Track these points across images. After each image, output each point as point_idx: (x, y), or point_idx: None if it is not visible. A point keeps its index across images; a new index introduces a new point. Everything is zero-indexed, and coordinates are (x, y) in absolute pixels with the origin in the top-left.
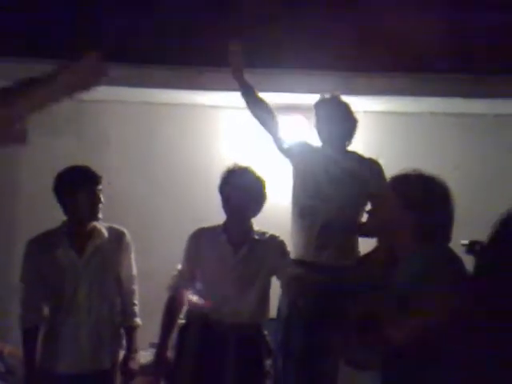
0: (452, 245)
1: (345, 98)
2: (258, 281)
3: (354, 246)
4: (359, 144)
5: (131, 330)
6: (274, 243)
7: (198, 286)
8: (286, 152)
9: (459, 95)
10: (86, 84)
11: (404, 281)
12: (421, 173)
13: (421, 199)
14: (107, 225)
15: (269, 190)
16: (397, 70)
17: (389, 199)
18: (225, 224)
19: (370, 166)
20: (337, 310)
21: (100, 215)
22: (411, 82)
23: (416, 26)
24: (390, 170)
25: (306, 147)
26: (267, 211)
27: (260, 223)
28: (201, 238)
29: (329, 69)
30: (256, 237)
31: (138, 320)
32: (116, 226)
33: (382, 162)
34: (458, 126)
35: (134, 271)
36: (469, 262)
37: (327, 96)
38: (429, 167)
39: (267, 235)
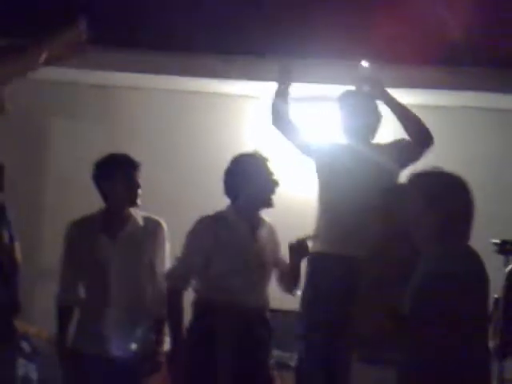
0: (480, 243)
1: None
2: (270, 263)
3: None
4: (389, 138)
5: (160, 322)
6: (271, 224)
7: (214, 274)
8: (309, 153)
9: (491, 90)
10: (61, 56)
11: (418, 279)
12: (442, 170)
13: (441, 197)
14: (145, 214)
15: (289, 181)
16: (428, 63)
17: (410, 198)
18: (233, 209)
19: (389, 147)
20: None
21: (139, 201)
22: (443, 75)
23: (447, 18)
24: (422, 165)
25: (329, 145)
26: (287, 202)
27: (278, 214)
28: (212, 225)
29: (357, 59)
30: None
31: None
32: (153, 215)
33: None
34: (492, 120)
35: (168, 264)
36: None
37: (350, 90)
38: (458, 162)
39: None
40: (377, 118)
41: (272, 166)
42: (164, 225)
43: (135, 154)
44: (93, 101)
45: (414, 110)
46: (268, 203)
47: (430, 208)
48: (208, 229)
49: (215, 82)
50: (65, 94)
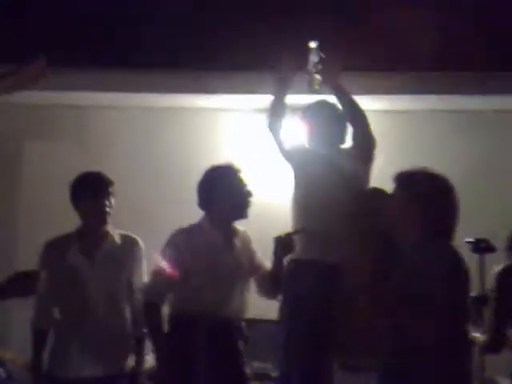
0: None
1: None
2: (247, 273)
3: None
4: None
5: (140, 342)
6: (245, 233)
7: (191, 287)
8: (287, 155)
9: (458, 92)
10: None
11: (400, 276)
12: (426, 170)
13: (425, 194)
14: (122, 232)
15: (267, 190)
16: (395, 69)
17: (394, 196)
18: (208, 221)
19: (351, 152)
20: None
21: (109, 220)
22: (409, 81)
23: (414, 24)
24: (390, 167)
25: (304, 150)
26: (266, 209)
27: (254, 222)
28: (188, 238)
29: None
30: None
31: None
32: (130, 233)
33: (381, 160)
34: (457, 122)
35: (143, 268)
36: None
37: (313, 101)
38: (428, 165)
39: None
40: (344, 127)
41: (245, 176)
42: (141, 242)
43: (112, 173)
44: (67, 121)
45: (379, 115)
46: (242, 214)
47: (413, 204)
48: (183, 242)
49: (190, 96)
50: (39, 115)
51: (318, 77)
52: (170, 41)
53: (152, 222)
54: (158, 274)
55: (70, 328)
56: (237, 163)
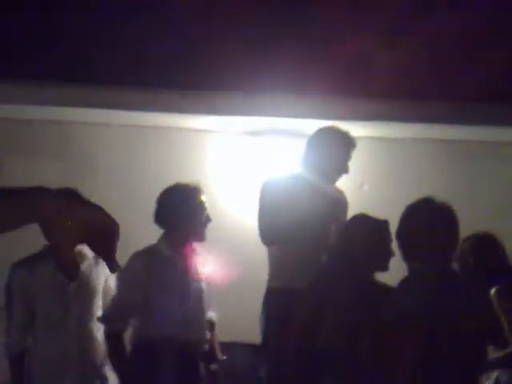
0: None
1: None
2: (207, 294)
3: None
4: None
5: None
6: (204, 253)
7: (153, 311)
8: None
9: (442, 121)
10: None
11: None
12: (417, 201)
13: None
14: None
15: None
16: (380, 95)
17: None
18: (166, 242)
19: (344, 200)
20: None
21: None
22: (394, 107)
23: (401, 52)
24: (373, 196)
25: (284, 180)
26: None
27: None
28: (147, 260)
29: (311, 92)
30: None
31: None
32: None
33: (365, 188)
34: (440, 152)
35: (112, 284)
36: None
37: (332, 126)
38: (410, 194)
39: None
40: (346, 159)
41: (206, 199)
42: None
43: (93, 191)
44: (48, 137)
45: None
46: (200, 237)
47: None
48: (143, 264)
49: (173, 116)
50: (19, 131)
51: None
52: (154, 60)
53: (131, 241)
54: (118, 298)
55: (48, 349)
56: (200, 184)
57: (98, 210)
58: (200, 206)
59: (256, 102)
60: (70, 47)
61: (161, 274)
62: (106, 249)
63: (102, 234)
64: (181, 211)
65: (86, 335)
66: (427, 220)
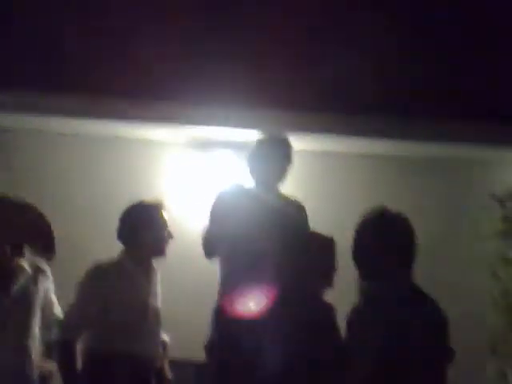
0: None
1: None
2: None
3: None
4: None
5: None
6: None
7: (108, 324)
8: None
9: (387, 136)
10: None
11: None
12: (370, 213)
13: (356, 239)
14: (29, 261)
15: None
16: (326, 109)
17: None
18: (127, 256)
19: (298, 207)
20: None
21: (25, 252)
22: (338, 121)
23: (349, 64)
24: (317, 210)
25: (232, 192)
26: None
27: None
28: (108, 273)
29: (258, 104)
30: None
31: None
32: (38, 261)
33: (310, 202)
34: (386, 167)
35: (53, 297)
36: None
37: (269, 134)
38: (355, 209)
39: None
40: (288, 165)
41: (168, 216)
42: (45, 266)
43: (41, 201)
44: None
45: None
46: (160, 253)
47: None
48: (104, 277)
49: (127, 126)
50: None
51: None
52: (114, 67)
53: (80, 253)
54: (76, 308)
55: None
56: (162, 201)
57: (32, 209)
58: (162, 223)
59: (203, 113)
60: (24, 52)
61: (122, 287)
62: (43, 245)
63: (38, 231)
64: (143, 228)
65: (22, 351)
66: (384, 232)
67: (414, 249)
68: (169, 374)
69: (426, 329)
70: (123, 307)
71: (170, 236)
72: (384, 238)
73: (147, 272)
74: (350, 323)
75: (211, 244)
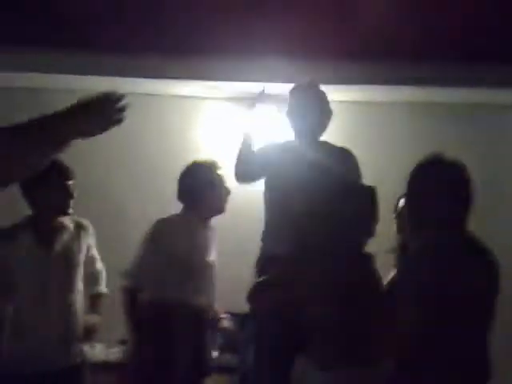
0: None
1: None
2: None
3: None
4: (330, 135)
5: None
6: (214, 227)
7: (172, 275)
8: (265, 172)
9: (433, 83)
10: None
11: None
12: (425, 159)
13: (409, 186)
14: (72, 218)
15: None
16: (367, 58)
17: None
18: (189, 214)
19: (344, 156)
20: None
21: (71, 210)
22: (382, 70)
23: (389, 12)
24: (362, 160)
25: (275, 148)
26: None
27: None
28: (174, 227)
29: (297, 56)
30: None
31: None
32: (80, 218)
33: (354, 152)
34: (432, 114)
35: (95, 253)
36: None
37: (304, 83)
38: (401, 157)
39: None
40: (329, 114)
41: (223, 173)
42: (87, 223)
43: (80, 159)
44: (26, 104)
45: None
46: (220, 210)
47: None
48: (170, 230)
49: (163, 82)
50: None
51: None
52: (139, 24)
53: (123, 210)
54: (141, 259)
55: (27, 322)
56: (215, 160)
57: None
58: (220, 181)
59: (242, 67)
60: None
61: (186, 242)
62: None
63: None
64: (205, 186)
65: (66, 308)
66: (440, 180)
67: (468, 197)
68: (226, 323)
69: (478, 277)
70: (185, 261)
71: (228, 192)
72: (437, 186)
73: (208, 229)
74: (401, 272)
75: (252, 168)
